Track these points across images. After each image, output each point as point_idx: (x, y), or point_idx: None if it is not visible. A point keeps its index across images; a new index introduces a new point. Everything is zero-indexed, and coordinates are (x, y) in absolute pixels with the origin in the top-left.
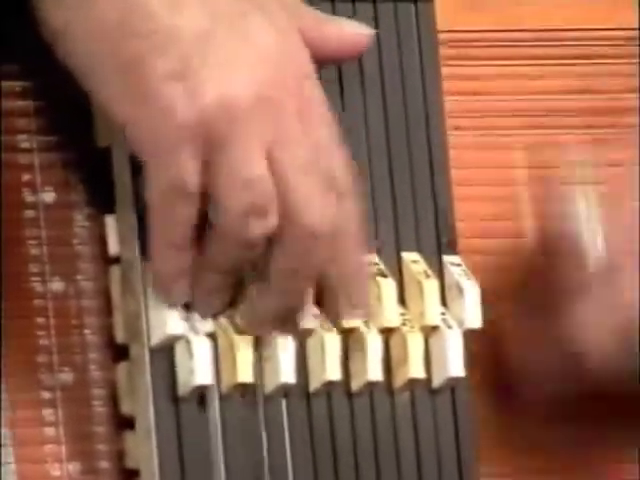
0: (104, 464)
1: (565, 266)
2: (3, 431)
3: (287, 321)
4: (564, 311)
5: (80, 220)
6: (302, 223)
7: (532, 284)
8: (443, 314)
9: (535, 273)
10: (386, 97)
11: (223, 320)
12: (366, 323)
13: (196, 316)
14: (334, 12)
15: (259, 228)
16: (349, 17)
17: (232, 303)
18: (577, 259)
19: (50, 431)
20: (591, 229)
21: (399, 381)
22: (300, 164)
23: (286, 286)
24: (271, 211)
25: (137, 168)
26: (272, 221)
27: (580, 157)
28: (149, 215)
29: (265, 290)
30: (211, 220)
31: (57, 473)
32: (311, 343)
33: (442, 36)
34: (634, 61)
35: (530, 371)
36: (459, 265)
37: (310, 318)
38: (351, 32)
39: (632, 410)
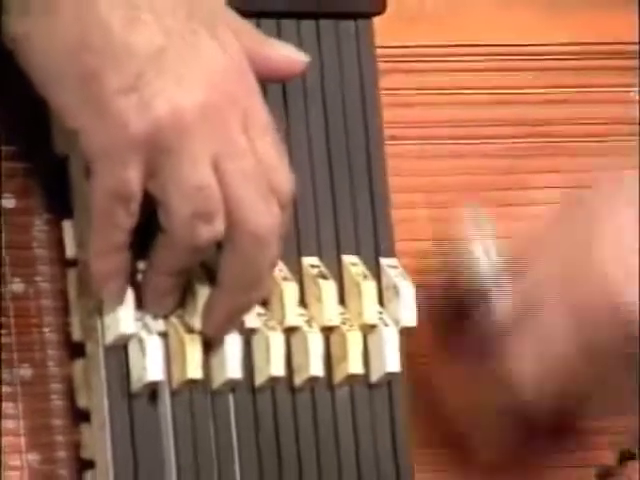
0: (61, 454)
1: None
2: None
3: (236, 320)
4: (491, 354)
5: (39, 225)
6: (247, 229)
7: (459, 333)
8: (380, 313)
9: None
10: (327, 109)
11: (174, 319)
12: (308, 322)
13: (148, 316)
14: (279, 29)
15: (206, 233)
16: (294, 34)
17: (182, 303)
18: (489, 309)
19: (10, 423)
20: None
21: (339, 376)
22: (245, 174)
23: (235, 288)
24: (217, 217)
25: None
26: (218, 227)
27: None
28: (91, 218)
29: (216, 291)
30: (161, 225)
31: (17, 463)
32: (256, 340)
33: (380, 51)
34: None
35: (469, 416)
36: (396, 267)
37: (255, 317)
38: (289, 55)
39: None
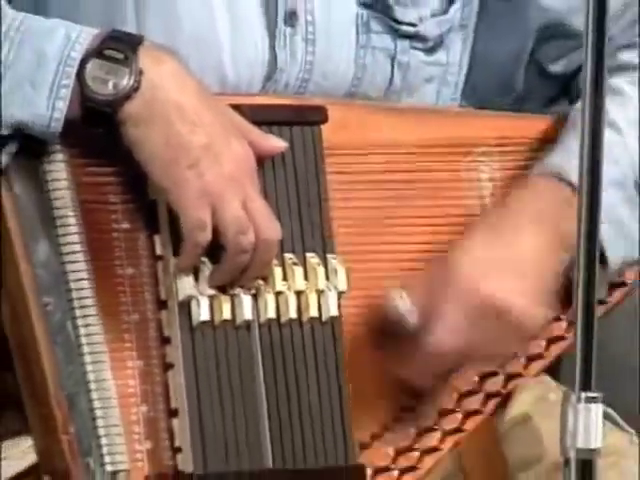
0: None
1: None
2: None
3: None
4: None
5: (142, 239)
6: (264, 238)
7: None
8: (327, 283)
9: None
10: (296, 177)
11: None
12: (288, 289)
13: (203, 285)
14: (271, 130)
15: (245, 240)
16: (277, 133)
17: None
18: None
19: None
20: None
21: (305, 317)
22: (259, 207)
23: (258, 265)
24: (250, 232)
25: (172, 215)
26: (251, 237)
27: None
28: (184, 238)
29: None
30: (222, 240)
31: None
32: (260, 297)
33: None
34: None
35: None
36: (335, 259)
37: (258, 284)
38: (271, 143)
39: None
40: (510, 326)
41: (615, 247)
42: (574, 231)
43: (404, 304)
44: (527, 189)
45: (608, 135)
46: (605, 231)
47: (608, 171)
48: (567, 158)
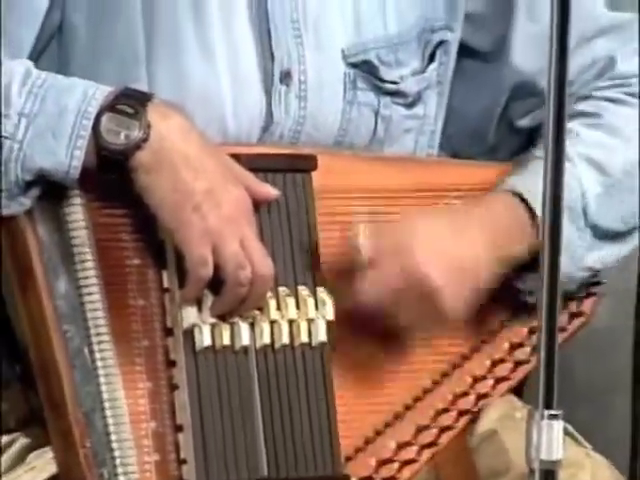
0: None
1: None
2: None
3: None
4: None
5: (152, 273)
6: (259, 273)
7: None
8: (316, 313)
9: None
10: (290, 221)
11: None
12: (282, 318)
13: (206, 314)
14: (266, 177)
15: (243, 274)
16: (271, 180)
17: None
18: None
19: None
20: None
21: (297, 343)
22: (255, 246)
23: (255, 297)
24: (247, 268)
25: (178, 252)
26: (248, 272)
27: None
28: (188, 273)
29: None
30: (222, 275)
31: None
32: (257, 325)
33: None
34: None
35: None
36: (323, 291)
37: (255, 313)
38: (266, 189)
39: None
40: (431, 306)
41: (564, 266)
42: (513, 246)
43: (362, 238)
44: (488, 198)
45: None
46: None
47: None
48: (530, 182)
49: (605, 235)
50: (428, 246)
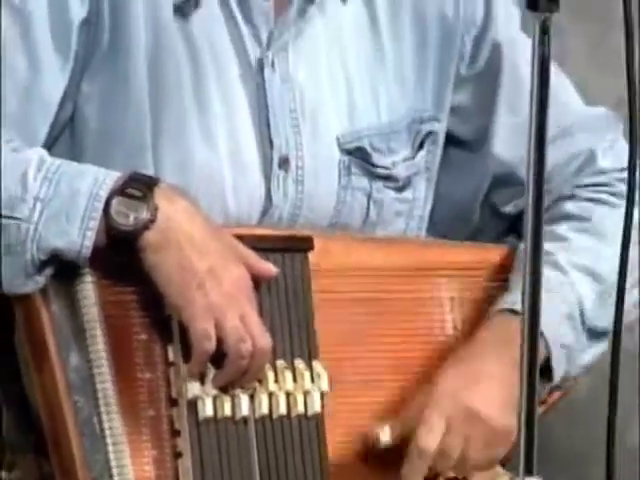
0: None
1: None
2: None
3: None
4: None
5: (158, 348)
6: (259, 347)
7: None
8: (312, 385)
9: None
10: (288, 297)
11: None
12: (279, 389)
13: (208, 387)
14: (267, 259)
15: (244, 348)
16: (270, 258)
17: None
18: None
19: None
20: None
21: (293, 414)
22: (254, 321)
23: (254, 369)
24: (248, 340)
25: (182, 328)
26: (249, 345)
27: None
28: (193, 347)
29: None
30: (224, 348)
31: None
32: (256, 397)
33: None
34: None
35: None
36: (319, 364)
37: (254, 385)
38: (266, 267)
39: None
40: (487, 431)
41: (560, 365)
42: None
43: (385, 438)
44: (487, 323)
45: (556, 276)
46: (556, 353)
47: (561, 306)
48: (519, 296)
49: (598, 335)
50: (460, 384)
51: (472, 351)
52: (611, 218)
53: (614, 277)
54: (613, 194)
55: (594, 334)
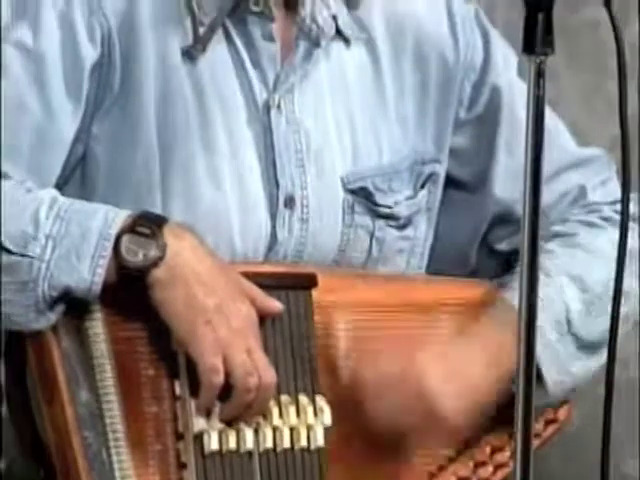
0: None
1: None
2: None
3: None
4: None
5: (165, 383)
6: (264, 382)
7: None
8: (315, 419)
9: None
10: (292, 335)
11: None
12: (283, 424)
13: (215, 421)
14: (272, 295)
15: (251, 381)
16: (274, 295)
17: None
18: None
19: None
20: None
21: (297, 447)
22: (259, 357)
23: (259, 404)
24: (255, 374)
25: (189, 362)
26: (255, 380)
27: None
28: (202, 382)
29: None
30: (231, 382)
31: None
32: (261, 431)
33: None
34: None
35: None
36: (322, 400)
37: (258, 420)
38: (271, 304)
39: None
40: (433, 419)
41: (550, 371)
42: (512, 353)
43: None
44: (490, 313)
45: (542, 279)
46: (541, 356)
47: (546, 308)
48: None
49: (587, 347)
50: (433, 368)
51: (457, 343)
52: (600, 236)
53: (600, 289)
54: (604, 219)
55: (582, 344)
